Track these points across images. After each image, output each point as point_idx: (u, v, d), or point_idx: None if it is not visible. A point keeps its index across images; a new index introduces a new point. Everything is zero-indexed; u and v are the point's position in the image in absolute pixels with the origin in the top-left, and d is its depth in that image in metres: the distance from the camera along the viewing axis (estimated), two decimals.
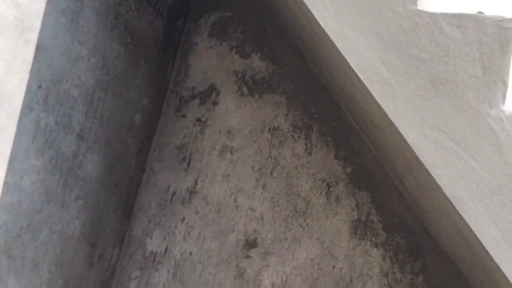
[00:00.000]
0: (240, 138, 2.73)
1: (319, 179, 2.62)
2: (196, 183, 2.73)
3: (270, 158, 2.69)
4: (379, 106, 1.64)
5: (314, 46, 2.33)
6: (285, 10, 2.48)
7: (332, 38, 1.60)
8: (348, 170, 2.62)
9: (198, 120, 2.82)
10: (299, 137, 2.69)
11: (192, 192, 2.72)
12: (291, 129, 2.71)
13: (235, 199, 2.66)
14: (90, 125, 2.32)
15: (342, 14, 1.61)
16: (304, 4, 1.70)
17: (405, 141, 1.54)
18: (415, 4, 1.56)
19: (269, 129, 2.73)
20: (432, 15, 1.53)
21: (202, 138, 2.78)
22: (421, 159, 1.49)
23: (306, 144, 2.67)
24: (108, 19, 2.35)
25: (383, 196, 2.56)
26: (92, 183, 2.38)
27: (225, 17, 2.98)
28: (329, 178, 2.62)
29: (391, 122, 1.58)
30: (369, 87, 1.54)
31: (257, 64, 2.85)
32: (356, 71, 1.57)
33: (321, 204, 2.59)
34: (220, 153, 2.74)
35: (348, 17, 1.60)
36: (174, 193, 2.74)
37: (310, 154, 2.66)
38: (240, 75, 2.85)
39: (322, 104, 2.71)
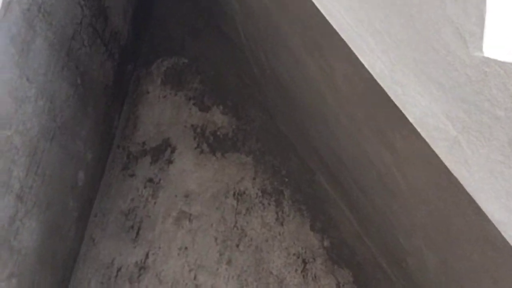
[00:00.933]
0: (200, 203, 2.34)
1: (294, 254, 2.27)
2: (147, 256, 2.28)
3: (235, 228, 2.31)
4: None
5: (291, 96, 2.02)
6: (257, 52, 2.17)
7: (381, 82, 1.30)
8: (326, 244, 2.29)
9: (150, 180, 2.40)
10: (269, 204, 2.33)
11: (142, 267, 2.27)
12: (259, 194, 2.35)
13: (194, 277, 2.24)
14: (31, 183, 1.84)
15: (390, 54, 1.32)
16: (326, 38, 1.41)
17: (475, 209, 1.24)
18: (481, 50, 1.30)
19: (234, 193, 2.35)
20: (502, 64, 1.28)
21: (155, 203, 2.35)
22: (506, 237, 1.20)
23: (277, 213, 2.32)
24: (60, 54, 1.92)
25: (367, 275, 2.24)
26: (28, 257, 1.88)
27: (181, 64, 2.62)
28: (305, 252, 2.28)
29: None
30: (432, 146, 1.25)
31: (219, 118, 2.50)
32: (415, 125, 1.27)
33: (296, 284, 2.23)
34: (176, 221, 2.32)
35: (399, 59, 1.32)
36: (119, 269, 2.27)
37: (282, 224, 2.30)
38: (199, 130, 2.48)
39: (293, 166, 2.39)
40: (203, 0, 2.48)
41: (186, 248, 2.28)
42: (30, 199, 1.86)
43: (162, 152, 2.46)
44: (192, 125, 2.48)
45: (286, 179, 2.37)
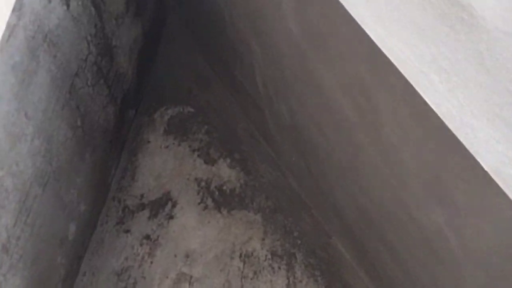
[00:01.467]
0: (202, 264, 2.10)
1: None
2: None
3: None
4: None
5: (313, 150, 1.84)
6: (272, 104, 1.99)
7: (448, 124, 1.12)
8: None
9: (147, 237, 2.16)
10: (279, 268, 2.10)
11: None
12: (269, 256, 2.12)
13: None
14: (19, 233, 1.61)
15: (458, 94, 1.15)
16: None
17: None
18: None
19: (241, 255, 2.12)
20: None
21: (151, 262, 2.11)
22: None
23: (288, 278, 2.09)
24: (62, 91, 1.72)
25: None
26: None
27: (186, 113, 2.43)
28: None
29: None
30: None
31: (226, 172, 2.29)
32: (491, 174, 1.08)
33: None
34: (175, 284, 2.08)
35: (469, 100, 1.15)
36: None
37: None
38: (203, 184, 2.27)
39: (307, 227, 2.18)
40: (214, 45, 2.32)
41: None
42: (16, 251, 1.62)
43: (162, 206, 2.24)
44: (196, 178, 2.27)
45: (299, 241, 2.16)
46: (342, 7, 1.27)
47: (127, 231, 2.19)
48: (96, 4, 1.88)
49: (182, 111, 2.44)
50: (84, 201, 2.07)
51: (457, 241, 1.31)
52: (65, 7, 1.67)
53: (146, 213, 2.23)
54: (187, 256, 2.15)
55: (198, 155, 2.34)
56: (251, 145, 2.33)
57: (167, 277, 2.11)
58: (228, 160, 2.32)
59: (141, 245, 2.17)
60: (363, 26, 1.24)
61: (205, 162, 2.32)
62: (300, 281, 2.10)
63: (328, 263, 2.13)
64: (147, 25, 2.39)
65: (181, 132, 2.39)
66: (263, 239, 2.17)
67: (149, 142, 2.37)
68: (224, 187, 2.27)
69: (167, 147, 2.36)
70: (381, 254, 1.82)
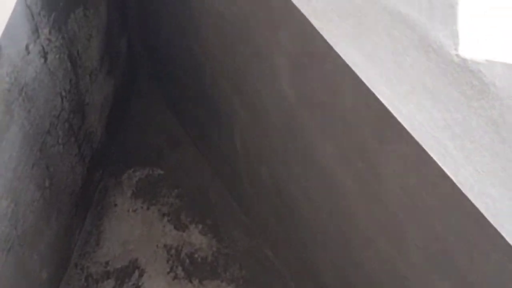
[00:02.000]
0: None
1: None
2: None
3: None
4: None
5: (297, 217, 1.76)
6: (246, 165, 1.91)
7: (467, 193, 1.06)
8: None
9: None
10: None
11: None
12: None
13: None
14: None
15: (475, 162, 1.10)
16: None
17: None
18: None
19: None
20: None
21: None
22: None
23: None
24: (33, 150, 1.60)
25: None
26: None
27: (156, 175, 2.32)
28: None
29: None
30: None
31: (197, 239, 2.18)
32: None
33: None
34: None
35: (486, 169, 1.09)
36: None
37: None
38: (173, 251, 2.14)
39: None
40: (187, 103, 2.24)
41: None
42: None
43: (128, 275, 2.09)
44: (165, 245, 2.14)
45: None
46: (349, 69, 1.22)
47: None
48: (72, 59, 1.78)
49: (152, 173, 2.32)
50: (46, 269, 1.91)
51: None
52: (42, 60, 1.57)
53: (111, 282, 2.07)
54: None
55: (168, 220, 2.21)
56: (224, 209, 2.23)
57: None
58: (200, 226, 2.20)
59: None
60: (372, 89, 1.18)
61: (176, 228, 2.20)
62: None
63: None
64: (118, 82, 2.30)
65: (150, 195, 2.27)
66: None
67: (116, 205, 2.23)
68: (196, 255, 2.14)
69: (135, 211, 2.22)
70: None
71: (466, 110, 1.18)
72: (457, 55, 1.26)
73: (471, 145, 1.14)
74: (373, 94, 1.19)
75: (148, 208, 2.24)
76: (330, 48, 1.25)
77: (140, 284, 2.07)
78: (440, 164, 1.11)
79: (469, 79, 1.23)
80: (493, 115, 1.18)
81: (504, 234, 1.04)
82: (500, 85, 1.22)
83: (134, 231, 2.19)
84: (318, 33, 1.27)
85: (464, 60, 1.25)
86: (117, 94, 2.31)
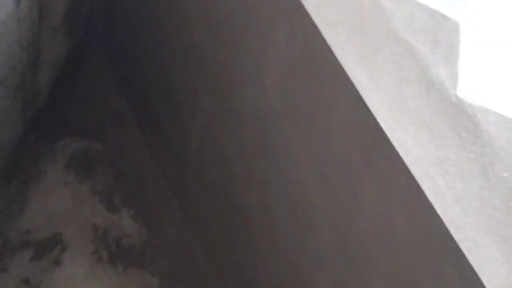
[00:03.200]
0: None
1: None
2: None
3: None
4: None
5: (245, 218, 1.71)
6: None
7: (452, 232, 1.06)
8: None
9: (26, 281, 1.88)
10: None
11: None
12: None
13: None
14: None
15: (464, 204, 1.10)
16: None
17: None
18: None
19: None
20: None
21: None
22: None
23: None
24: None
25: None
26: None
27: (93, 150, 2.20)
28: None
29: None
30: None
31: (127, 224, 2.08)
32: None
33: None
34: None
35: (473, 213, 1.09)
36: None
37: None
38: (101, 232, 2.03)
39: None
40: (141, 84, 2.14)
41: None
42: None
43: (49, 249, 1.96)
44: (93, 225, 2.03)
45: None
46: (352, 87, 1.19)
47: (4, 270, 1.88)
48: (41, 10, 1.65)
49: (89, 147, 2.20)
50: None
51: None
52: (15, 5, 1.44)
53: (29, 253, 1.93)
54: None
55: (100, 200, 2.10)
56: (160, 200, 2.14)
57: None
58: (132, 211, 2.11)
59: None
60: (373, 111, 1.16)
61: (107, 209, 2.09)
62: None
63: None
64: (73, 45, 2.16)
65: (84, 169, 2.14)
66: None
67: (46, 173, 2.09)
68: (123, 241, 2.04)
69: (66, 183, 2.09)
70: None
71: (459, 151, 1.18)
72: (456, 96, 1.26)
73: (461, 187, 1.14)
74: (373, 117, 1.17)
75: (80, 183, 2.12)
76: (336, 61, 1.22)
77: (60, 260, 1.95)
78: (430, 199, 1.11)
79: (465, 121, 1.23)
80: (484, 162, 1.19)
81: (483, 280, 1.04)
82: (493, 133, 1.23)
83: (62, 204, 2.06)
84: (326, 43, 1.24)
85: (462, 101, 1.26)
86: (70, 57, 2.18)
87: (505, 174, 1.17)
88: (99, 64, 2.41)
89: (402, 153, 1.14)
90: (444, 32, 1.30)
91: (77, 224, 2.03)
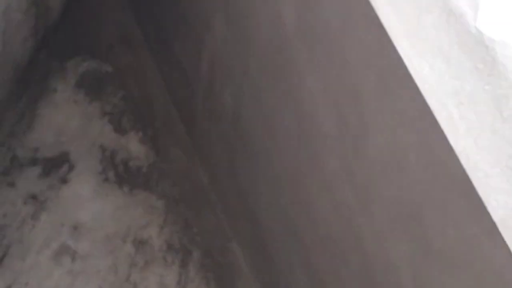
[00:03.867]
0: (90, 241, 1.88)
1: None
2: None
3: (127, 283, 1.88)
4: None
5: (250, 143, 1.71)
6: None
7: (462, 161, 1.06)
8: None
9: (33, 197, 1.90)
10: (173, 263, 1.95)
11: None
12: (164, 248, 1.96)
13: None
14: None
15: (473, 132, 1.10)
16: None
17: None
18: None
19: (135, 240, 1.94)
20: None
21: (33, 226, 1.85)
22: None
23: (180, 275, 1.94)
24: None
25: None
26: None
27: (104, 72, 2.19)
28: None
29: None
30: None
31: (135, 147, 2.09)
32: (499, 225, 1.03)
33: None
34: (55, 256, 1.84)
35: (483, 142, 1.10)
36: None
37: None
38: (108, 153, 2.05)
39: (208, 225, 2.05)
40: (149, 6, 2.10)
41: None
42: None
43: (56, 166, 1.98)
44: (101, 146, 2.04)
45: (198, 238, 2.01)
46: (372, 11, 1.16)
47: (11, 184, 1.91)
48: None
49: (100, 68, 2.19)
50: None
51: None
52: None
53: (37, 169, 1.95)
54: (75, 228, 1.91)
55: (109, 120, 2.11)
56: (168, 124, 2.15)
57: (48, 246, 1.86)
58: (140, 134, 2.11)
59: (25, 204, 1.89)
60: (391, 37, 1.14)
61: (115, 130, 2.10)
62: (192, 281, 1.95)
63: (224, 268, 2.00)
64: None
65: (94, 89, 2.14)
66: (162, 228, 1.99)
67: (55, 91, 2.09)
68: (131, 163, 2.06)
69: (75, 102, 2.09)
70: (295, 271, 1.73)
71: (475, 82, 1.17)
72: (475, 27, 1.24)
73: (474, 117, 1.13)
74: (391, 42, 1.15)
75: (90, 103, 2.12)
76: None
77: (67, 178, 1.97)
78: (443, 128, 1.10)
79: (482, 53, 1.21)
80: (498, 94, 1.17)
81: (489, 210, 1.05)
82: (510, 68, 1.21)
83: (70, 123, 2.06)
84: None
85: (481, 33, 1.23)
86: None
87: None
88: None
89: (418, 81, 1.13)
90: None
91: (85, 144, 2.04)
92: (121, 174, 2.02)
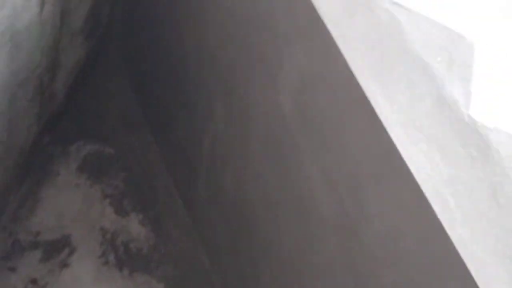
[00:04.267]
0: None
1: None
2: None
3: None
4: None
5: (251, 225, 1.72)
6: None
7: (460, 252, 1.07)
8: None
9: (33, 282, 1.90)
10: None
11: None
12: None
13: None
14: None
15: (470, 221, 1.11)
16: None
17: None
18: None
19: None
20: None
21: None
22: None
23: None
24: (4, 100, 1.49)
25: None
26: None
27: (106, 154, 2.23)
28: None
29: None
30: None
31: (136, 228, 2.10)
32: None
33: None
34: None
35: (479, 231, 1.11)
36: None
37: None
38: (109, 236, 2.06)
39: None
40: (152, 91, 2.16)
41: None
42: None
43: (58, 250, 1.98)
44: (101, 228, 2.05)
45: None
46: (367, 103, 1.20)
47: (12, 269, 1.90)
48: (63, 15, 1.68)
49: (102, 151, 2.22)
50: None
51: None
52: (39, 9, 1.47)
53: (38, 253, 1.95)
54: None
55: (110, 203, 2.12)
56: (169, 206, 2.16)
57: None
58: (141, 216, 2.13)
59: None
60: (387, 128, 1.18)
61: (116, 212, 2.11)
62: None
63: None
64: (92, 49, 2.19)
65: (96, 173, 2.17)
66: None
67: (58, 175, 2.12)
68: (131, 245, 2.06)
69: (77, 185, 2.12)
70: None
71: (470, 170, 1.19)
72: (468, 115, 1.28)
73: (470, 206, 1.15)
74: (387, 133, 1.18)
75: (91, 186, 2.14)
76: (352, 77, 1.24)
77: (68, 262, 1.97)
78: (439, 217, 1.12)
79: (476, 141, 1.24)
80: (493, 182, 1.20)
81: None
82: (504, 154, 1.24)
83: (72, 206, 2.08)
84: (343, 58, 1.26)
85: (474, 121, 1.27)
86: (87, 61, 2.21)
87: None
88: (114, 69, 2.44)
89: (413, 170, 1.15)
90: (459, 51, 1.31)
91: (86, 227, 2.05)
92: (121, 257, 2.02)
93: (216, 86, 1.79)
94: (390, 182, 1.19)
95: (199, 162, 1.95)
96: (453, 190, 1.15)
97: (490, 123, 1.27)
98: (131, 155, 2.23)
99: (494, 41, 1.31)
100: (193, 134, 1.95)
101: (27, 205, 2.02)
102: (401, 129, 1.19)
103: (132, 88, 2.41)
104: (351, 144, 1.29)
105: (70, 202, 2.06)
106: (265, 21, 1.48)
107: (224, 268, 2.03)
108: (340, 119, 1.30)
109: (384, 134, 1.18)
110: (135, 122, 2.32)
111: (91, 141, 2.23)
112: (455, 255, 1.09)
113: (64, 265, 1.95)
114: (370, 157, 1.24)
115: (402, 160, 1.16)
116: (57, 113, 2.11)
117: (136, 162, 2.22)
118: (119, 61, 2.45)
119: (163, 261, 2.06)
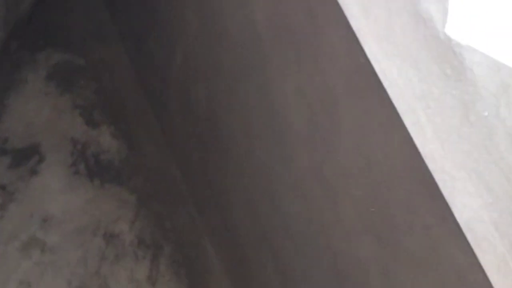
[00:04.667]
0: (60, 233, 1.88)
1: None
2: None
3: (97, 276, 1.88)
4: None
5: (223, 144, 1.73)
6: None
7: (429, 165, 1.09)
8: None
9: (2, 187, 1.89)
10: (144, 258, 1.95)
11: None
12: (135, 242, 1.96)
13: None
14: None
15: (443, 140, 1.12)
16: None
17: None
18: None
19: (105, 233, 1.94)
20: None
21: (1, 217, 1.84)
22: None
23: (151, 270, 1.95)
24: None
25: None
26: None
27: (76, 64, 2.18)
28: None
29: None
30: (480, 258, 1.05)
31: (107, 140, 2.09)
32: (463, 228, 1.06)
33: None
34: (24, 247, 1.83)
35: (452, 148, 1.12)
36: None
37: (153, 284, 1.93)
38: (79, 146, 2.04)
39: (180, 221, 2.05)
40: (123, 2, 2.09)
41: (29, 284, 1.79)
42: None
43: (27, 157, 1.96)
44: (72, 138, 2.03)
45: (170, 234, 2.02)
46: (342, 15, 1.18)
47: None
48: None
49: (72, 61, 2.17)
50: None
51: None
52: None
53: (7, 160, 1.93)
54: (44, 220, 1.90)
55: (80, 113, 2.09)
56: (140, 119, 2.14)
57: (16, 237, 1.85)
58: (112, 128, 2.11)
59: None
60: (360, 40, 1.16)
61: (86, 123, 2.08)
62: (163, 276, 1.96)
63: (195, 263, 2.01)
64: None
65: (66, 82, 2.12)
66: (133, 223, 1.99)
67: (26, 82, 2.07)
68: (102, 157, 2.05)
69: (47, 94, 2.08)
70: (267, 268, 1.75)
71: (442, 87, 1.19)
72: (444, 33, 1.26)
73: (441, 122, 1.15)
74: (360, 45, 1.17)
75: (61, 95, 2.10)
76: None
77: (37, 169, 1.96)
78: (410, 131, 1.12)
79: (450, 58, 1.24)
80: (465, 99, 1.20)
81: (454, 212, 1.08)
82: (477, 73, 1.24)
83: (41, 114, 2.04)
84: None
85: (449, 39, 1.26)
86: None
87: (486, 113, 1.19)
88: None
89: (386, 84, 1.15)
90: None
91: (56, 136, 2.02)
92: (92, 168, 2.01)
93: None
94: (363, 95, 1.19)
95: (171, 75, 1.92)
96: (425, 105, 1.15)
97: (465, 42, 1.27)
98: (102, 66, 2.19)
99: None
100: (165, 46, 1.91)
101: None
102: (375, 43, 1.18)
103: (104, 0, 2.34)
104: (325, 57, 1.27)
105: (39, 111, 2.03)
106: None
107: (196, 181, 2.04)
108: (314, 32, 1.28)
109: (358, 47, 1.17)
110: (106, 33, 2.26)
111: (61, 49, 2.17)
112: (424, 168, 1.11)
113: (34, 172, 1.94)
114: (343, 70, 1.23)
115: (375, 74, 1.15)
116: (24, 20, 2.03)
117: (107, 74, 2.17)
118: None
119: (135, 173, 2.06)
